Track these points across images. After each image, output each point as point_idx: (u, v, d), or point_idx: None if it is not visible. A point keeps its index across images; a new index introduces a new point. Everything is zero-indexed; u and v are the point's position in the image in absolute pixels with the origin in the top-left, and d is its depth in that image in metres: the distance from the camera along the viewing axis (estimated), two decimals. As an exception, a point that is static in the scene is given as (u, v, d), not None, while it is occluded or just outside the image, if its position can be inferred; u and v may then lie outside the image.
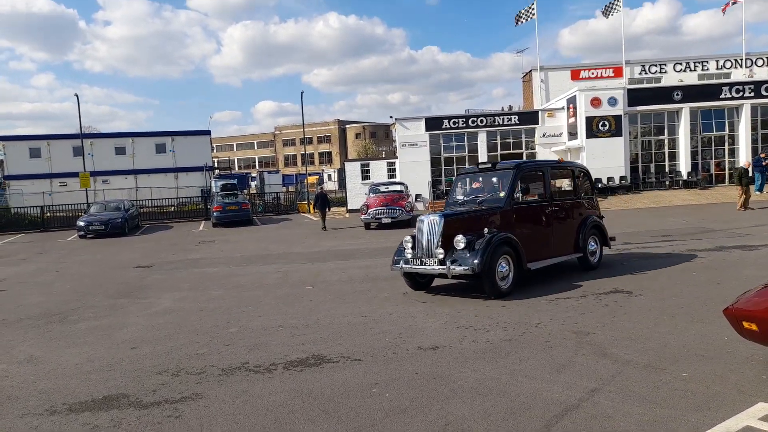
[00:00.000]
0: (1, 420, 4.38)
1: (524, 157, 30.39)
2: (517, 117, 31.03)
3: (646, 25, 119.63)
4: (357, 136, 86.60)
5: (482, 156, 29.77)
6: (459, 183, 9.69)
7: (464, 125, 30.47)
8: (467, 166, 28.80)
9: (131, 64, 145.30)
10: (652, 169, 28.80)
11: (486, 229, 7.76)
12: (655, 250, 11.32)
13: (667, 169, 28.61)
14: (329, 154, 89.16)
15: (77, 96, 29.91)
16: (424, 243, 7.92)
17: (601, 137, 27.30)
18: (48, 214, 27.40)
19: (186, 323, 7.34)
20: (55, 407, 4.59)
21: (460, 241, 7.57)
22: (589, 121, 27.37)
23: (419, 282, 8.48)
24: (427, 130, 30.24)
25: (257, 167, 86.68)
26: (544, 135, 30.14)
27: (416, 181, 28.26)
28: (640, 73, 35.75)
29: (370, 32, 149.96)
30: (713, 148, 28.64)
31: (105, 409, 4.48)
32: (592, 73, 36.20)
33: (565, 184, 10.20)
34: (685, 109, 27.72)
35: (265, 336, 6.46)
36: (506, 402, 4.16)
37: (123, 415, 4.33)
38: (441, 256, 7.65)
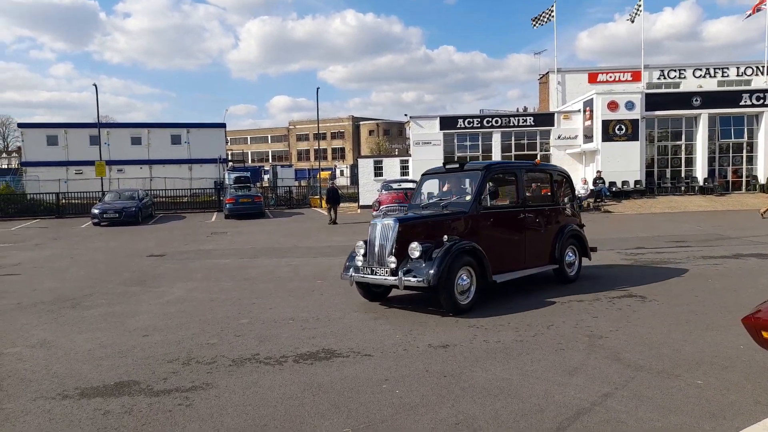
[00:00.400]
0: (15, 402, 4.43)
1: (539, 159, 30.25)
2: (532, 118, 30.83)
3: (666, 30, 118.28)
4: (370, 133, 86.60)
5: (495, 157, 29.62)
6: (424, 184, 8.80)
7: (479, 125, 30.34)
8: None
9: (150, 56, 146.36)
10: (668, 175, 28.49)
11: (446, 237, 6.91)
12: (669, 256, 11.20)
13: (683, 175, 28.29)
14: (342, 150, 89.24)
15: (96, 86, 30.22)
16: (376, 250, 7.10)
17: (617, 141, 27.04)
18: (63, 201, 27.70)
19: (197, 313, 7.37)
20: (67, 392, 4.63)
21: (415, 249, 6.76)
22: (606, 124, 27.12)
23: (375, 292, 7.69)
24: (441, 128, 30.15)
25: (270, 161, 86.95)
26: (559, 137, 29.93)
27: (429, 180, 28.18)
28: (658, 78, 35.36)
29: (387, 30, 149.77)
30: (731, 155, 28.27)
31: (116, 395, 4.51)
32: (610, 77, 35.85)
33: (541, 188, 9.34)
34: (704, 115, 27.37)
35: (275, 328, 6.47)
36: (517, 403, 4.12)
37: (134, 402, 4.36)
38: (393, 266, 6.81)
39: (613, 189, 26.52)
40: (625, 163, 26.89)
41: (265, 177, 46.94)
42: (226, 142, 45.95)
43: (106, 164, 31.28)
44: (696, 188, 27.34)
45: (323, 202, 26.36)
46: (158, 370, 5.12)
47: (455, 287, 6.74)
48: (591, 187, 25.90)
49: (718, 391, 4.22)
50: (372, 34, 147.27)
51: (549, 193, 8.92)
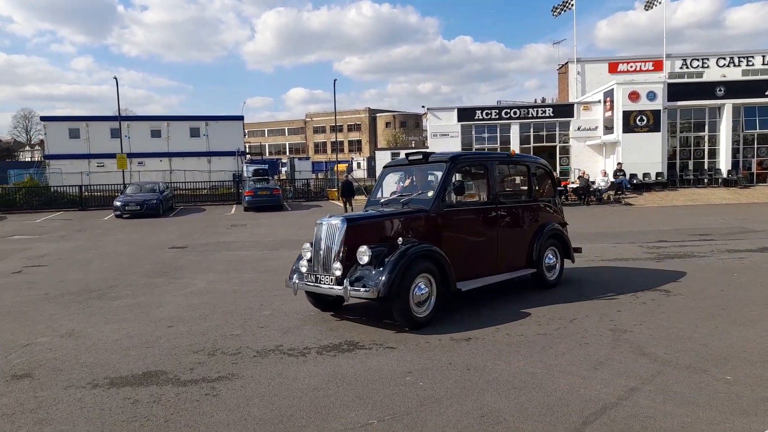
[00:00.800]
0: (47, 390, 4.54)
1: (558, 151, 29.96)
2: (551, 109, 30.52)
3: (687, 18, 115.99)
4: (387, 125, 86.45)
5: (515, 148, 29.41)
6: (386, 178, 7.88)
7: (497, 116, 30.13)
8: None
9: (167, 48, 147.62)
10: (690, 166, 28.04)
11: (400, 239, 6.11)
12: (693, 249, 11.03)
13: (706, 167, 27.83)
14: (359, 142, 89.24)
15: (116, 79, 30.56)
16: (321, 254, 6.24)
17: (638, 132, 26.67)
18: (86, 194, 28.15)
19: (221, 304, 7.46)
20: (97, 381, 4.72)
21: (363, 253, 5.91)
22: (627, 115, 26.75)
23: (327, 300, 6.79)
24: (459, 120, 30.01)
25: (288, 153, 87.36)
26: (578, 128, 29.60)
27: (446, 172, 28.07)
28: (681, 68, 34.73)
29: (403, 21, 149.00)
30: (756, 146, 27.73)
31: (144, 385, 4.59)
32: (631, 67, 35.32)
33: (517, 183, 8.45)
34: (728, 105, 26.85)
35: (297, 320, 6.52)
36: (542, 396, 4.11)
37: (162, 392, 4.43)
38: (338, 273, 5.97)
39: (634, 181, 26.19)
40: (647, 154, 26.51)
41: (283, 170, 47.22)
42: (244, 135, 46.27)
43: (127, 157, 31.68)
44: (719, 180, 26.89)
45: (339, 195, 26.43)
46: (184, 360, 5.19)
47: (411, 297, 5.90)
48: (611, 179, 25.60)
49: (748, 387, 4.16)
50: (388, 24, 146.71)
51: (526, 188, 8.02)
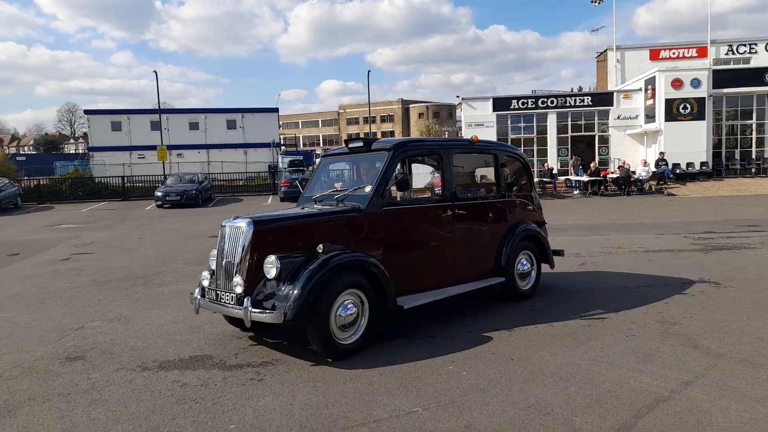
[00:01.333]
0: (99, 372, 4.68)
1: (597, 141, 29.25)
2: (590, 98, 29.75)
3: (731, 2, 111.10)
4: (420, 115, 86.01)
5: (551, 138, 28.88)
6: (325, 170, 6.78)
7: (533, 106, 29.55)
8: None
9: (203, 43, 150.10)
10: (737, 156, 26.97)
11: (321, 246, 4.90)
12: (742, 241, 10.62)
13: (753, 156, 26.73)
14: (392, 133, 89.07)
15: (156, 72, 31.24)
16: (223, 264, 5.13)
17: (681, 120, 25.77)
18: (128, 185, 28.96)
19: (261, 292, 7.55)
20: (146, 364, 4.85)
21: (270, 264, 4.74)
22: (669, 103, 25.86)
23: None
24: (494, 110, 29.54)
25: (321, 145, 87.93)
26: (618, 117, 28.78)
27: (482, 162, 27.75)
28: (726, 53, 33.32)
29: (436, 11, 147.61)
30: (808, 134, 26.47)
31: (192, 369, 4.69)
32: (673, 53, 34.06)
33: (482, 176, 7.23)
34: (778, 91, 25.67)
35: (337, 308, 6.54)
36: (590, 388, 4.02)
37: (209, 375, 4.52)
38: (239, 290, 4.81)
39: (677, 171, 25.35)
40: (690, 143, 25.61)
41: (317, 161, 47.53)
42: (279, 127, 46.74)
43: (167, 149, 32.42)
44: (768, 170, 25.81)
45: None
46: (228, 345, 5.28)
47: (333, 320, 4.76)
48: (653, 169, 24.86)
49: (809, 383, 3.98)
50: (420, 15, 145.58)
51: (493, 182, 6.82)
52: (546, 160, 28.18)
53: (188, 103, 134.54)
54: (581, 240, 11.46)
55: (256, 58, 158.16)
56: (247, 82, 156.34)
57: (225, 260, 5.13)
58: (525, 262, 6.74)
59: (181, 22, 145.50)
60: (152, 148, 32.88)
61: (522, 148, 29.03)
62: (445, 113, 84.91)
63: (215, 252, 5.31)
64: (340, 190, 5.92)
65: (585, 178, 24.18)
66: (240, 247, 4.95)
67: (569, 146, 29.00)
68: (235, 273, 4.94)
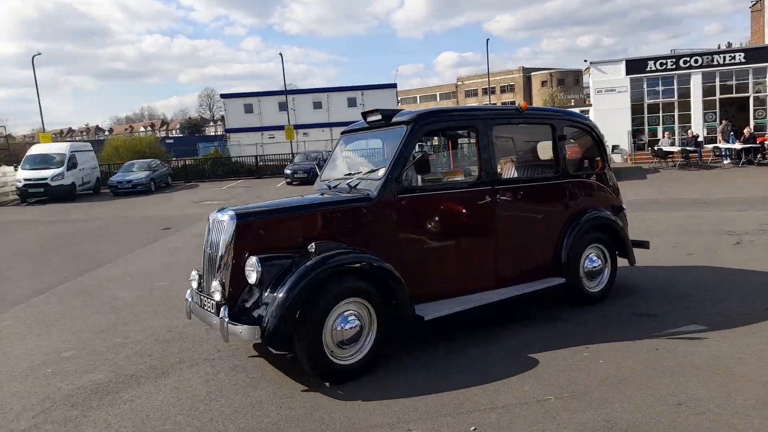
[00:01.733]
0: (239, 340, 5.02)
1: (751, 103, 25.86)
2: (742, 54, 26.25)
3: None
4: (543, 84, 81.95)
5: (695, 102, 26.00)
6: (345, 149, 5.68)
7: (674, 66, 26.73)
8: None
9: (323, 23, 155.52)
10: None
11: (312, 245, 4.05)
12: None
13: None
14: (513, 103, 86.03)
15: (281, 54, 33.01)
16: (206, 267, 4.48)
17: None
18: (261, 164, 30.98)
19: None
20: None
21: (251, 267, 3.94)
22: None
23: None
24: (627, 73, 27.18)
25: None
26: (779, 75, 25.14)
27: (613, 131, 25.80)
28: None
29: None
30: None
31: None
32: None
33: (535, 152, 5.99)
34: None
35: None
36: (754, 387, 3.54)
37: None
38: (217, 297, 4.07)
39: None
40: None
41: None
42: (397, 102, 47.10)
43: (293, 128, 34.10)
44: None
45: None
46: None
47: (328, 335, 3.93)
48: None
49: None
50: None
51: (551, 159, 5.54)
52: (689, 127, 25.52)
53: (311, 83, 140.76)
54: (734, 215, 10.23)
55: (373, 35, 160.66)
56: (366, 60, 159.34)
57: (208, 261, 4.44)
58: (594, 258, 5.50)
59: (302, 4, 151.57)
60: (280, 128, 34.77)
61: (661, 114, 26.59)
62: (570, 80, 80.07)
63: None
64: (355, 173, 4.96)
65: (737, 146, 21.54)
66: (222, 246, 4.18)
67: (717, 110, 25.95)
68: (215, 276, 4.22)
